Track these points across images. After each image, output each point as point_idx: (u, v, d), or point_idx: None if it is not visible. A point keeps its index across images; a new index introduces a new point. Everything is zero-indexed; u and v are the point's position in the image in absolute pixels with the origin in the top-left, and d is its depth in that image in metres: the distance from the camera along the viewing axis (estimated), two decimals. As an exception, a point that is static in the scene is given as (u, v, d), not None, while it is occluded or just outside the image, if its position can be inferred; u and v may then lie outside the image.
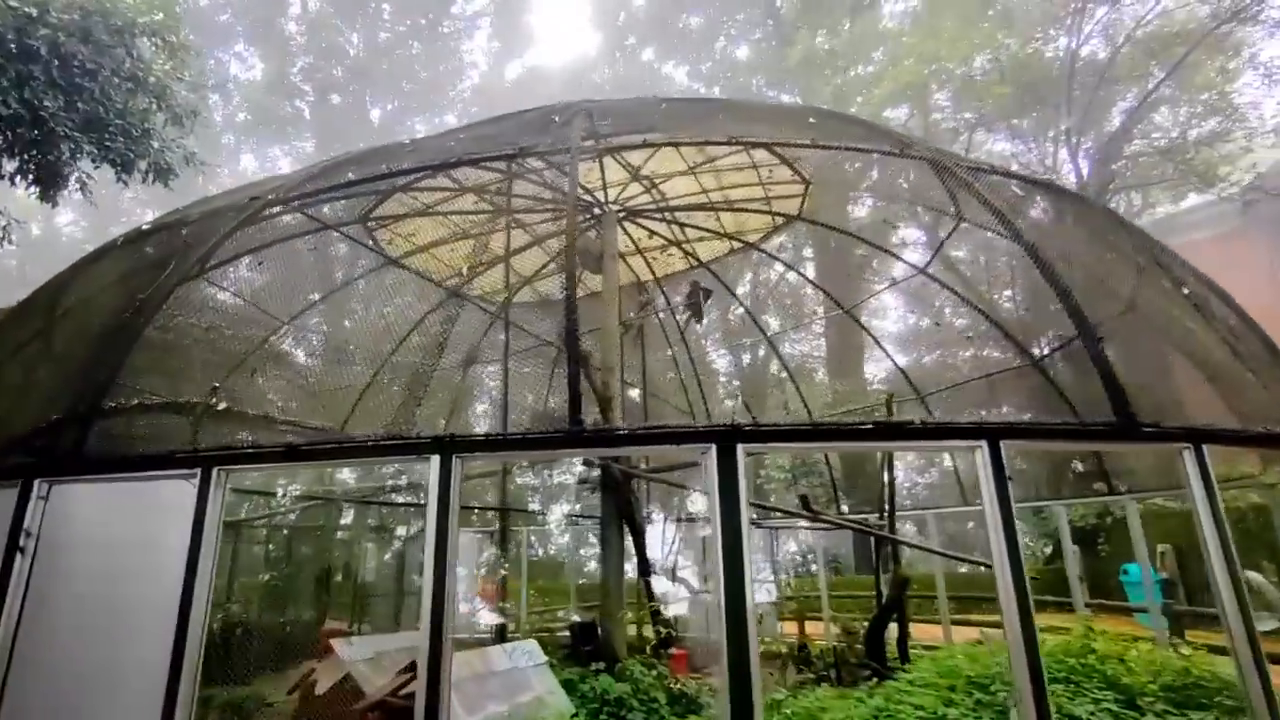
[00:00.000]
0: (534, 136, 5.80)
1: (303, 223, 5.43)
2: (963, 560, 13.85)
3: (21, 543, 3.96)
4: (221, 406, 4.06)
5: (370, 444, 3.36)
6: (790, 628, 12.10)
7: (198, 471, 3.57)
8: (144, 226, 5.69)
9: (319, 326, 6.16)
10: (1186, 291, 5.08)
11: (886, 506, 8.70)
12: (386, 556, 16.24)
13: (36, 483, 4.07)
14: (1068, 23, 17.55)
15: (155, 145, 11.03)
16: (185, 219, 5.39)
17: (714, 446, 3.00)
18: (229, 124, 36.64)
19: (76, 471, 3.97)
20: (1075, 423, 3.29)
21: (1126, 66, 16.88)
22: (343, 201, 5.68)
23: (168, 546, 3.71)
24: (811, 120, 5.69)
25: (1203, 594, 12.81)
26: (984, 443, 3.12)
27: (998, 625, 12.23)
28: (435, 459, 3.22)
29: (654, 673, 7.63)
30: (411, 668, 5.53)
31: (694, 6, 32.70)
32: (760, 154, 8.42)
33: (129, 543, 4.27)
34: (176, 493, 3.94)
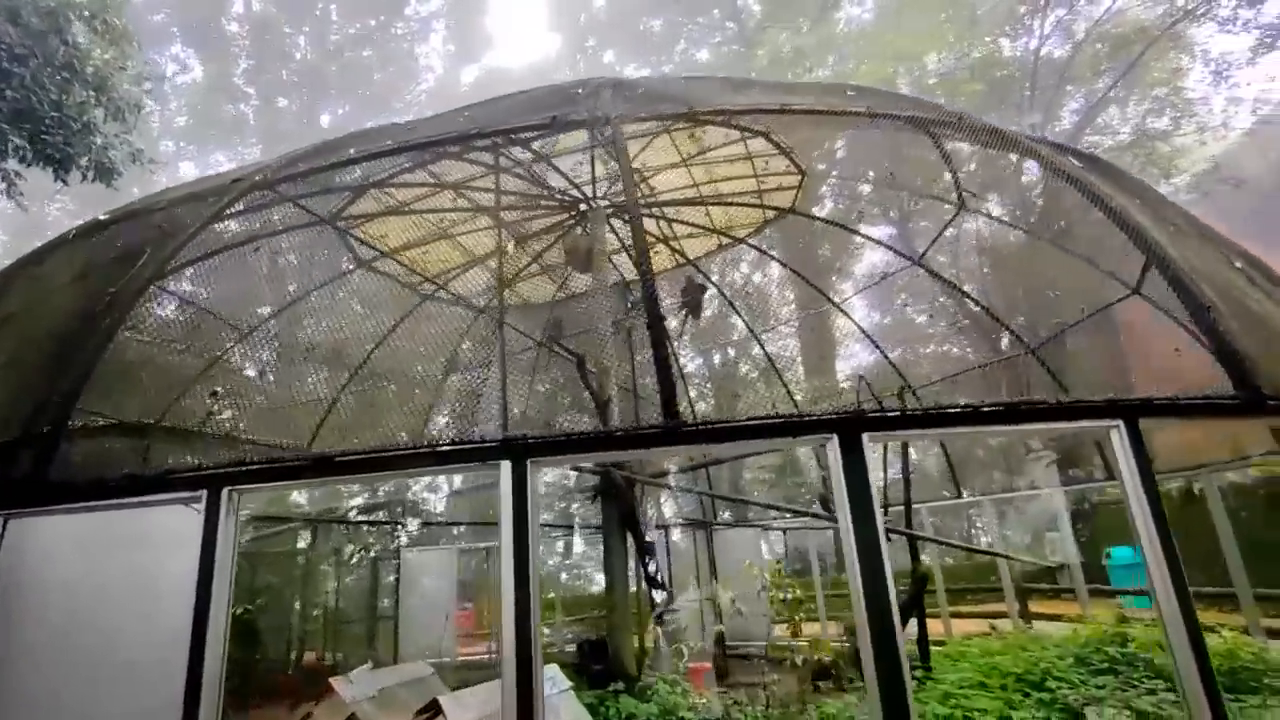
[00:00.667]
0: (543, 115, 5.32)
1: (297, 213, 4.81)
2: (987, 554, 13.74)
3: (-28, 590, 3.25)
4: (225, 415, 3.44)
5: (425, 450, 2.81)
6: (786, 630, 11.82)
7: (203, 494, 2.94)
8: (102, 217, 4.95)
9: (329, 329, 5.49)
10: (1239, 265, 4.98)
11: (903, 501, 8.44)
12: (349, 580, 15.22)
13: (-12, 517, 3.36)
14: (1027, 22, 18.07)
15: (97, 141, 10.01)
16: (154, 206, 4.70)
17: (836, 437, 2.61)
18: (167, 128, 34.58)
19: (42, 501, 3.26)
20: (1201, 397, 3.02)
21: (1086, 64, 17.44)
22: (338, 193, 5.07)
23: (166, 575, 3.09)
24: (850, 93, 5.38)
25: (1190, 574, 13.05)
26: (1120, 421, 2.83)
27: (1000, 615, 11.99)
28: (506, 465, 2.70)
29: (678, 689, 7.19)
30: (431, 707, 4.94)
31: (655, 9, 32.56)
32: (756, 144, 8.12)
33: (111, 578, 3.57)
34: (166, 516, 3.31)
